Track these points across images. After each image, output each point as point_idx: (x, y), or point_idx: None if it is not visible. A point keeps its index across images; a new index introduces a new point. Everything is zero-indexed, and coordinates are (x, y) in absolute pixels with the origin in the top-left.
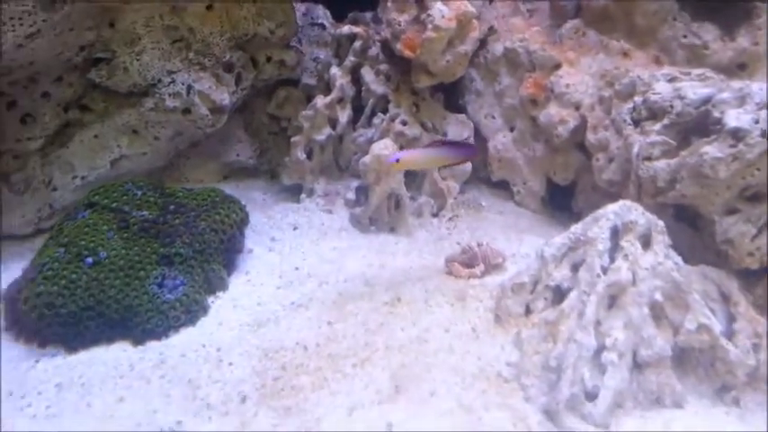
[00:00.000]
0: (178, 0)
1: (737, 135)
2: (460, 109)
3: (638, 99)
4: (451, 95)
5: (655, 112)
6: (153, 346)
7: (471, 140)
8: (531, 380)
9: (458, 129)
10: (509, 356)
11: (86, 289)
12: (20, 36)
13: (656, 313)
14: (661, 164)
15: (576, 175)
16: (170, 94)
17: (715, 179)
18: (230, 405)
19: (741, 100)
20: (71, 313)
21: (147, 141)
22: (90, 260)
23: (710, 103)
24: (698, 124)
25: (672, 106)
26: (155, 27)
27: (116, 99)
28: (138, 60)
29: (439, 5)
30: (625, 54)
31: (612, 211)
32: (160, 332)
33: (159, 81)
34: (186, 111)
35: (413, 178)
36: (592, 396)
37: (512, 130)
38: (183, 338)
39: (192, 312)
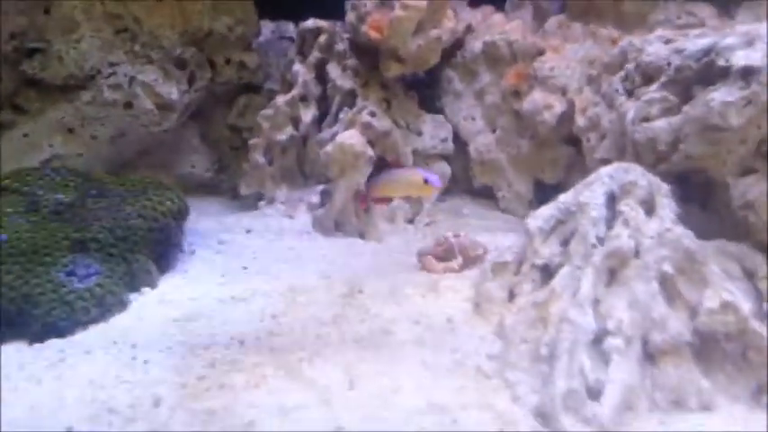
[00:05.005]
0: None
1: (749, 75)
2: (438, 111)
3: (629, 66)
4: (429, 99)
5: (650, 76)
6: (53, 344)
7: (449, 143)
8: (519, 375)
9: (434, 129)
10: (490, 348)
11: None
12: None
13: (668, 291)
14: (661, 123)
15: (567, 174)
16: (109, 86)
17: (726, 130)
18: (139, 409)
19: (749, 44)
20: None
21: (84, 141)
22: None
23: (714, 51)
24: (701, 79)
25: (669, 63)
26: (95, 14)
27: (51, 96)
28: (74, 49)
29: None
30: (614, 41)
31: (607, 174)
32: (64, 327)
33: (98, 72)
34: (128, 104)
35: None
36: (595, 393)
37: (494, 131)
38: (90, 335)
39: (105, 306)
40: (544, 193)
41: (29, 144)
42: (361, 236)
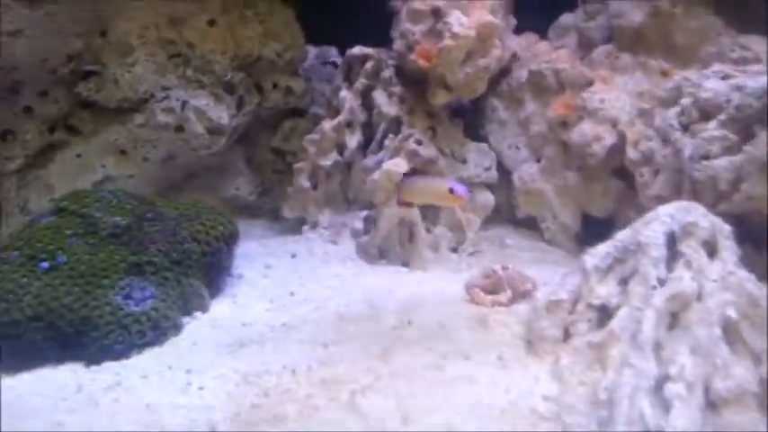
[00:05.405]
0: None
1: None
2: (481, 139)
3: (685, 101)
4: (472, 127)
5: (708, 113)
6: (109, 366)
7: (493, 172)
8: (576, 418)
9: (478, 157)
10: (546, 389)
11: (36, 296)
12: None
13: (730, 337)
14: (722, 162)
15: (616, 207)
16: (162, 110)
17: None
18: None
19: None
20: (15, 323)
21: (136, 162)
22: (46, 264)
23: None
24: (762, 118)
25: (728, 100)
26: (149, 39)
27: (105, 118)
28: (129, 72)
29: (458, 14)
30: (665, 73)
31: (667, 213)
32: (120, 350)
33: (152, 96)
34: (179, 128)
35: (427, 209)
36: None
37: (538, 160)
38: (146, 358)
39: (160, 329)
40: (591, 225)
41: (81, 165)
42: (405, 264)
